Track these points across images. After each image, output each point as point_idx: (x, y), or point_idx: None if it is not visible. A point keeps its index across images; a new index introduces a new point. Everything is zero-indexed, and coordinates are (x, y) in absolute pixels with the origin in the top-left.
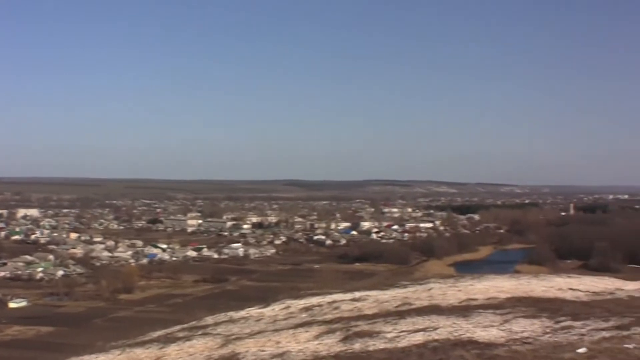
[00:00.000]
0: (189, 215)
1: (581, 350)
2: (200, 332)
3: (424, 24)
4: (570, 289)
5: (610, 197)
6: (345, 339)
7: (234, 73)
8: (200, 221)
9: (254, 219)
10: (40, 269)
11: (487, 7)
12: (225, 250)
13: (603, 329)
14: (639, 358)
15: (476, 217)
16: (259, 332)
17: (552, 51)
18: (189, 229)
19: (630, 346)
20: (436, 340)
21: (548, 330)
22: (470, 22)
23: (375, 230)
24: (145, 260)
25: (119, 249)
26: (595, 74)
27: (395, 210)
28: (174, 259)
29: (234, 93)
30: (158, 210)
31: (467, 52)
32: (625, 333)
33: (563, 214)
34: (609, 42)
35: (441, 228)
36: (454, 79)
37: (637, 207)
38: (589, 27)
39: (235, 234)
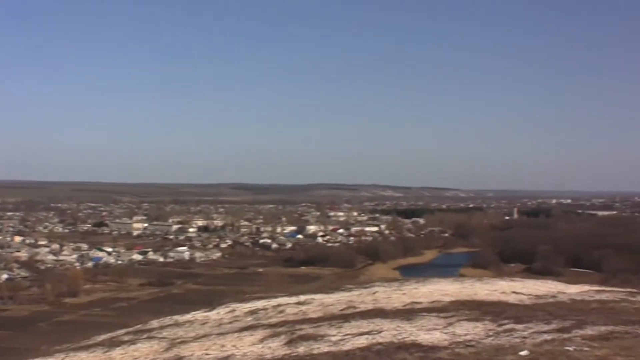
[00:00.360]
0: (135, 218)
1: (523, 353)
2: (145, 336)
3: (373, 27)
4: (514, 292)
5: (554, 201)
6: (289, 343)
7: (179, 74)
8: (145, 224)
9: (200, 223)
10: None
11: (425, 9)
12: (171, 254)
13: (545, 332)
14: None
15: (421, 221)
16: (204, 336)
17: (496, 54)
18: (135, 232)
19: (571, 348)
20: (380, 344)
21: (491, 334)
22: (417, 25)
23: (321, 234)
24: (90, 264)
25: (64, 252)
26: (537, 79)
27: (341, 214)
28: (120, 262)
29: (180, 95)
30: (103, 213)
31: (411, 54)
32: (566, 336)
33: (507, 218)
34: (557, 46)
35: (386, 232)
36: (399, 83)
37: (579, 211)
38: (536, 30)
39: (181, 237)
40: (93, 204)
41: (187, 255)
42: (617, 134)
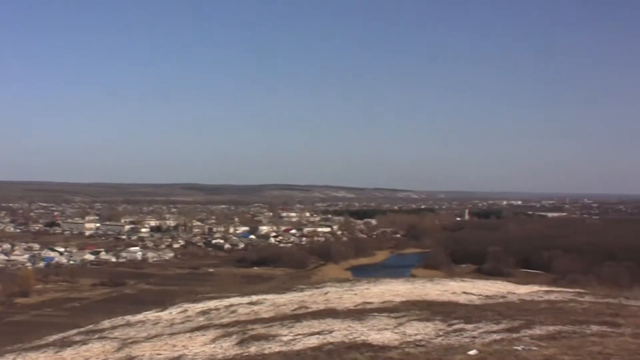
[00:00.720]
0: (87, 218)
1: (472, 352)
2: (97, 336)
3: (328, 28)
4: (464, 292)
5: (504, 203)
6: (241, 342)
7: (130, 75)
8: (98, 224)
9: (152, 223)
10: None
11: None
12: (123, 254)
13: (494, 332)
14: (527, 359)
15: (373, 221)
16: (155, 336)
17: (445, 56)
18: (87, 232)
19: (519, 348)
20: (331, 343)
21: (441, 333)
22: (371, 26)
23: (274, 234)
24: (42, 264)
25: (16, 252)
26: (486, 82)
27: (293, 214)
28: (72, 262)
29: (132, 94)
30: (55, 213)
31: (363, 55)
32: (515, 335)
33: (458, 219)
34: (506, 47)
35: (339, 232)
36: (352, 84)
37: (530, 212)
38: (490, 31)
39: (134, 237)
40: (45, 204)
41: (139, 255)
42: (567, 136)
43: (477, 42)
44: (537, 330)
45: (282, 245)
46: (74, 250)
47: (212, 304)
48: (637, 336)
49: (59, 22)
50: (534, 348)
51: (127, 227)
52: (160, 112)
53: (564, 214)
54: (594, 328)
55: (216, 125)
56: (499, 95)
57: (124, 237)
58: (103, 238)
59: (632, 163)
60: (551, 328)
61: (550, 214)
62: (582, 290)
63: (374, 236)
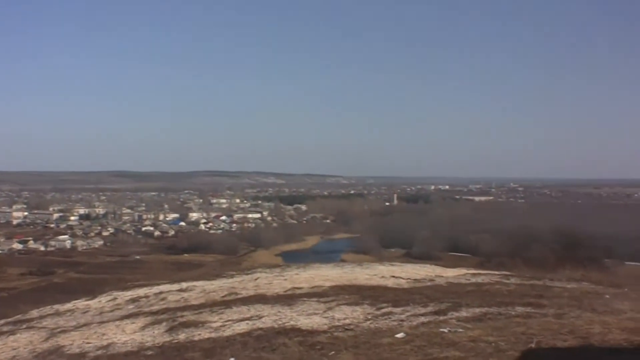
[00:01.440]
0: (14, 207)
1: (399, 335)
2: (24, 326)
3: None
4: (393, 276)
5: (432, 187)
6: (171, 330)
7: (55, 59)
8: (26, 213)
9: (81, 211)
10: None
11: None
12: (52, 243)
13: (422, 315)
14: (453, 341)
15: (303, 207)
16: (84, 325)
17: (370, 37)
18: (15, 221)
19: (445, 330)
20: (261, 329)
21: (369, 317)
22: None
23: (204, 221)
24: None
25: None
26: (413, 67)
27: (223, 201)
28: None
29: (59, 82)
30: None
31: (295, 38)
32: (442, 318)
33: (387, 204)
34: (423, 33)
35: (269, 218)
36: (282, 69)
37: (457, 197)
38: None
39: (63, 225)
40: None
41: (68, 243)
42: (491, 121)
43: (401, 25)
44: (464, 313)
45: (212, 231)
46: (2, 240)
47: (141, 291)
48: (560, 316)
49: None
50: (460, 330)
51: (56, 215)
52: (88, 99)
53: (490, 197)
54: (519, 309)
55: (145, 111)
56: (427, 80)
57: (52, 225)
58: (31, 227)
59: (556, 148)
60: (477, 310)
61: (477, 198)
62: (508, 273)
63: (304, 222)
